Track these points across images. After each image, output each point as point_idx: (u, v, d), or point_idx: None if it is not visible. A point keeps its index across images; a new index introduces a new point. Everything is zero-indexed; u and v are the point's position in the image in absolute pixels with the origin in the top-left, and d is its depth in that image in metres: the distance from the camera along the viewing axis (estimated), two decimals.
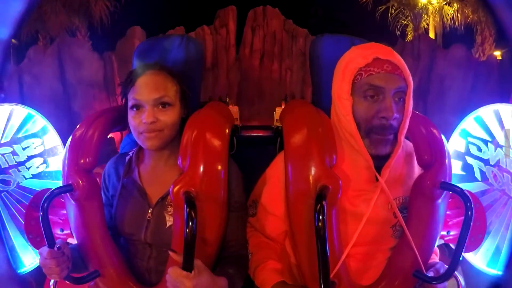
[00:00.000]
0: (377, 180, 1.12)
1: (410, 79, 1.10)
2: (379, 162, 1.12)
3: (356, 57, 1.10)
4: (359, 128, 1.10)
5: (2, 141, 1.58)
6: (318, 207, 1.00)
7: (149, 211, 1.18)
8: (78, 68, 4.05)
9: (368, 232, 1.13)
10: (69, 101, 3.92)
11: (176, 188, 1.09)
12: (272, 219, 1.21)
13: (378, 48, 1.10)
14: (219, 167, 1.13)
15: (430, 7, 6.43)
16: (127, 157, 1.27)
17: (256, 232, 1.26)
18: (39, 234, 1.51)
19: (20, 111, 1.59)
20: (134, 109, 1.13)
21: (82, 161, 1.15)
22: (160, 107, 1.13)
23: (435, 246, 1.21)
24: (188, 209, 0.97)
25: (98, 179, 1.23)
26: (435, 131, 1.18)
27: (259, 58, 5.07)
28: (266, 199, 1.22)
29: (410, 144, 1.20)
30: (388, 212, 1.14)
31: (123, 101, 1.20)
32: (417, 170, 1.18)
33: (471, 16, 5.99)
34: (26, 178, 1.62)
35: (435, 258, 1.24)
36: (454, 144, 1.61)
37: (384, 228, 1.15)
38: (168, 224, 1.16)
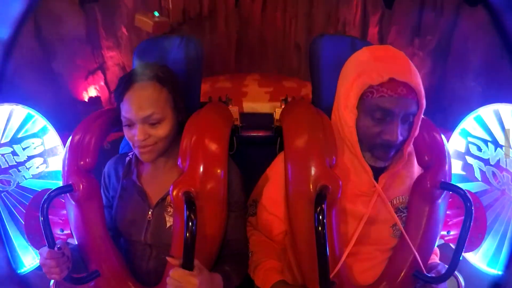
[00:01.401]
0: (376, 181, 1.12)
1: (423, 101, 1.03)
2: (378, 169, 1.13)
3: (371, 72, 1.01)
4: (361, 141, 1.08)
5: (2, 141, 1.58)
6: (318, 207, 1.00)
7: (149, 212, 1.19)
8: (56, 23, 3.37)
9: (368, 231, 1.13)
10: (49, 61, 3.23)
11: (176, 189, 1.09)
12: (272, 219, 1.21)
13: (396, 66, 1.01)
14: (219, 168, 1.13)
15: None
16: (127, 158, 1.28)
17: (257, 231, 1.26)
18: (39, 234, 1.50)
19: (20, 111, 1.58)
20: (127, 125, 1.12)
21: (82, 161, 1.15)
22: (151, 123, 1.10)
23: (435, 246, 1.21)
24: (188, 210, 0.97)
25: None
26: (435, 131, 1.18)
27: (260, 6, 4.44)
28: (266, 199, 1.22)
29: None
30: (388, 211, 1.14)
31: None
32: (417, 169, 1.18)
33: None
34: (26, 178, 1.62)
35: (435, 258, 1.24)
36: (454, 144, 1.61)
37: (384, 228, 1.15)
38: (168, 224, 1.16)
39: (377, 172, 1.12)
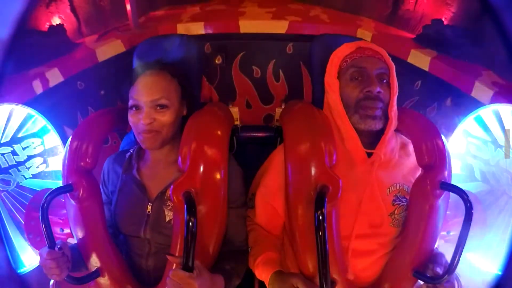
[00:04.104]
0: (371, 157, 1.16)
1: (391, 61, 1.21)
2: (372, 144, 1.15)
3: (342, 48, 1.24)
4: (348, 108, 1.16)
5: (2, 141, 1.57)
6: (318, 208, 1.00)
7: (149, 206, 1.19)
8: None
9: (367, 219, 1.13)
10: None
11: (176, 189, 1.09)
12: (270, 209, 1.22)
13: (362, 41, 1.27)
14: (219, 168, 1.13)
15: None
16: (128, 154, 1.28)
17: (256, 226, 1.27)
18: (39, 234, 1.51)
19: (20, 111, 1.58)
20: (134, 108, 1.15)
21: (82, 161, 1.15)
22: (158, 108, 1.14)
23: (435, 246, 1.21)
24: (188, 210, 0.98)
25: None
26: (435, 132, 1.18)
27: None
28: (264, 187, 1.24)
29: (403, 136, 1.24)
30: (388, 197, 1.16)
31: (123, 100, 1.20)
32: (413, 159, 1.19)
33: None
34: (26, 178, 1.61)
35: None
36: (454, 144, 1.61)
37: (383, 215, 1.16)
38: (167, 218, 1.17)
39: (371, 146, 1.16)
